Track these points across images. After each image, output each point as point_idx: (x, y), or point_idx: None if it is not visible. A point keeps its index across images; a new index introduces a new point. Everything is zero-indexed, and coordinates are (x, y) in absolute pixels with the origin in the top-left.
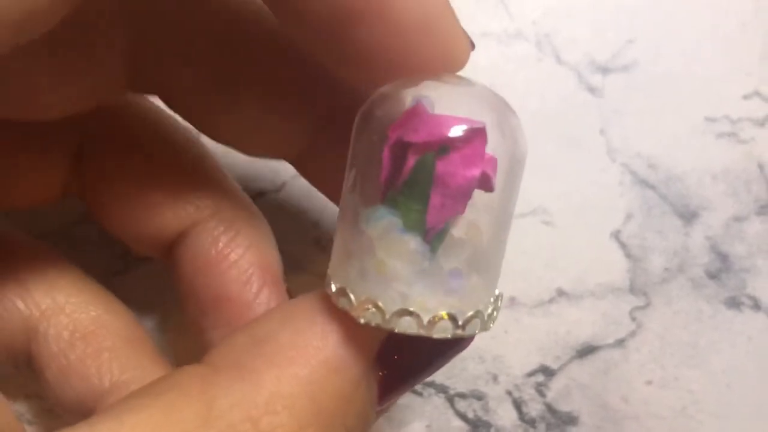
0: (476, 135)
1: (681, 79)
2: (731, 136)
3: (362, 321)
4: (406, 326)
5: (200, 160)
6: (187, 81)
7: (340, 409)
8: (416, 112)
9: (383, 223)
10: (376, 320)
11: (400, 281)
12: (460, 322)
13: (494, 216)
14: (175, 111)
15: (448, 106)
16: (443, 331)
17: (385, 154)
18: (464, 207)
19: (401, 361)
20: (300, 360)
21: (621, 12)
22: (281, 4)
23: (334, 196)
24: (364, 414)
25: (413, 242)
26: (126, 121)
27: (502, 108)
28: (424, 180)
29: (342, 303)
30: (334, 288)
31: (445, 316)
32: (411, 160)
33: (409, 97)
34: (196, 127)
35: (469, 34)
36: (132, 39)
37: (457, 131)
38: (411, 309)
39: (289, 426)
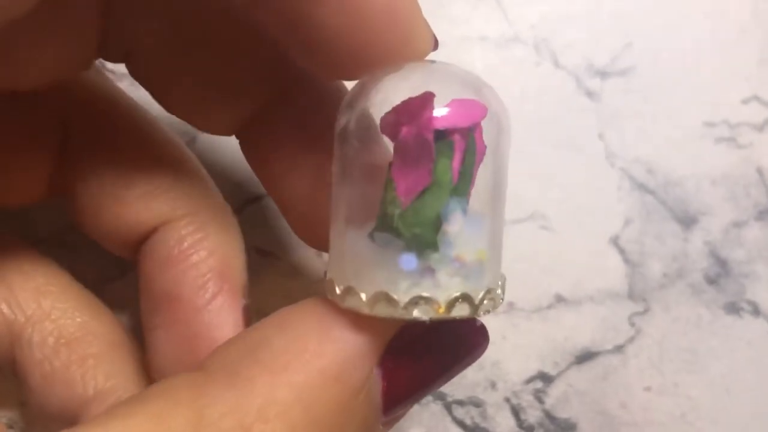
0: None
1: (679, 84)
2: (730, 141)
3: (377, 314)
4: (422, 312)
5: (181, 162)
6: (149, 45)
7: (338, 419)
8: (432, 102)
9: (459, 214)
10: (389, 312)
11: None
12: (476, 301)
13: (491, 195)
14: (137, 79)
15: (438, 88)
16: (461, 311)
17: (430, 145)
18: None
19: (405, 369)
20: (295, 366)
21: (619, 16)
22: None
23: (268, 179)
24: (366, 425)
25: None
26: (109, 120)
27: (478, 82)
28: (472, 159)
29: (349, 302)
30: (338, 290)
31: (461, 298)
32: (461, 145)
33: (397, 85)
34: (154, 96)
35: (467, 38)
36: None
37: (484, 110)
38: (424, 294)
39: None
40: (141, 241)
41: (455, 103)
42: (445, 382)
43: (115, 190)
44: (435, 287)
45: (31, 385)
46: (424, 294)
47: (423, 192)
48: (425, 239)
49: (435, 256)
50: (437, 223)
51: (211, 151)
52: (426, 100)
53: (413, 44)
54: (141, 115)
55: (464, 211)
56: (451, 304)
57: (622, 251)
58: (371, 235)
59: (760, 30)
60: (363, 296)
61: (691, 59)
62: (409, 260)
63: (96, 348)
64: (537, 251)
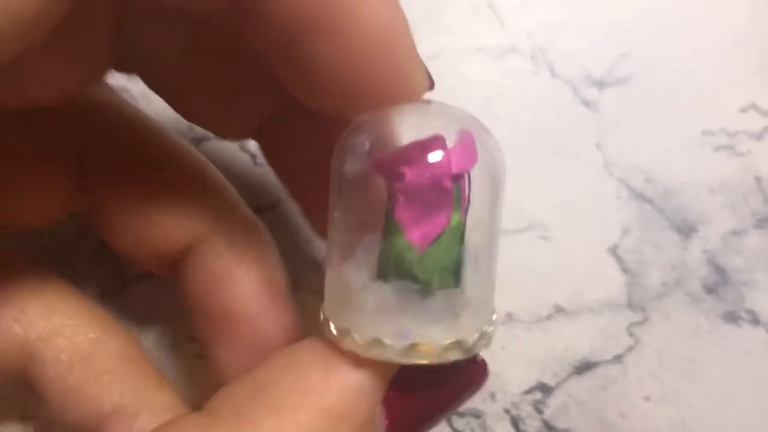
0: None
1: (677, 93)
2: (728, 149)
3: (373, 357)
4: (417, 358)
5: (203, 175)
6: (162, 53)
7: None
8: (444, 144)
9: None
10: (385, 357)
11: (405, 317)
12: (469, 344)
13: (485, 235)
14: (151, 87)
15: (435, 129)
16: (454, 356)
17: (449, 193)
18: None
19: (408, 405)
20: (301, 407)
21: (616, 26)
22: (238, 7)
23: (288, 180)
24: None
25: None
26: (125, 138)
27: (476, 125)
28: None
29: (347, 344)
30: (335, 331)
31: (452, 345)
32: (467, 188)
33: (396, 125)
34: (170, 103)
35: (464, 48)
36: (119, 11)
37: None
38: (417, 342)
39: None
40: (175, 258)
41: (460, 148)
42: (448, 415)
43: (143, 210)
44: (426, 334)
45: (49, 402)
46: (417, 341)
47: (438, 237)
48: (445, 283)
49: (458, 300)
50: (457, 267)
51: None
52: (437, 144)
53: (408, 84)
54: (158, 131)
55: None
56: (446, 350)
57: (620, 260)
58: (380, 279)
59: (757, 38)
60: (358, 339)
61: (689, 68)
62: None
63: (110, 363)
64: (536, 261)
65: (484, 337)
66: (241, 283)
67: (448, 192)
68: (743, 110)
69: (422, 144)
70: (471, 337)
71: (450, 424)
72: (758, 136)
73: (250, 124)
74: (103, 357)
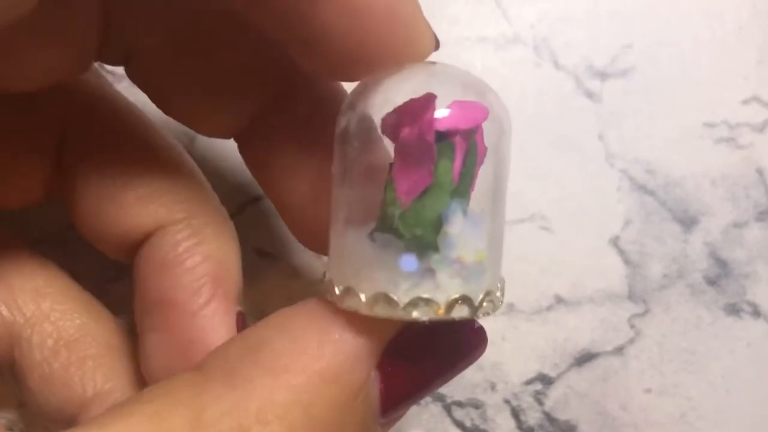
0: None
1: (679, 84)
2: (730, 142)
3: (376, 315)
4: (422, 313)
5: (178, 166)
6: (148, 48)
7: (336, 420)
8: (433, 104)
9: (459, 216)
10: (389, 313)
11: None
12: (475, 303)
13: (492, 197)
14: (136, 82)
15: (441, 90)
16: (460, 312)
17: (431, 147)
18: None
19: (404, 371)
20: (294, 368)
21: (619, 17)
22: None
23: (267, 182)
24: (364, 426)
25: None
26: (107, 122)
27: (482, 86)
28: (473, 160)
29: (348, 303)
30: (338, 290)
31: (460, 300)
32: (462, 146)
33: (399, 87)
34: (153, 100)
35: (467, 38)
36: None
37: (485, 113)
38: (424, 296)
39: None
40: (138, 244)
41: (456, 105)
42: (443, 383)
43: (112, 194)
44: (435, 288)
45: (30, 386)
46: (424, 295)
47: (424, 193)
48: (425, 240)
49: (435, 257)
50: (438, 225)
51: (210, 153)
52: (427, 101)
53: (414, 45)
54: (139, 119)
55: (465, 213)
56: (451, 305)
57: (621, 252)
58: (371, 236)
59: (759, 30)
60: (362, 297)
61: (691, 60)
62: (409, 261)
63: (95, 350)
64: (536, 252)
65: (492, 299)
66: (189, 274)
67: (430, 147)
68: (745, 102)
69: (414, 102)
70: (477, 296)
71: (450, 415)
72: (760, 129)
73: (232, 125)
74: (88, 343)
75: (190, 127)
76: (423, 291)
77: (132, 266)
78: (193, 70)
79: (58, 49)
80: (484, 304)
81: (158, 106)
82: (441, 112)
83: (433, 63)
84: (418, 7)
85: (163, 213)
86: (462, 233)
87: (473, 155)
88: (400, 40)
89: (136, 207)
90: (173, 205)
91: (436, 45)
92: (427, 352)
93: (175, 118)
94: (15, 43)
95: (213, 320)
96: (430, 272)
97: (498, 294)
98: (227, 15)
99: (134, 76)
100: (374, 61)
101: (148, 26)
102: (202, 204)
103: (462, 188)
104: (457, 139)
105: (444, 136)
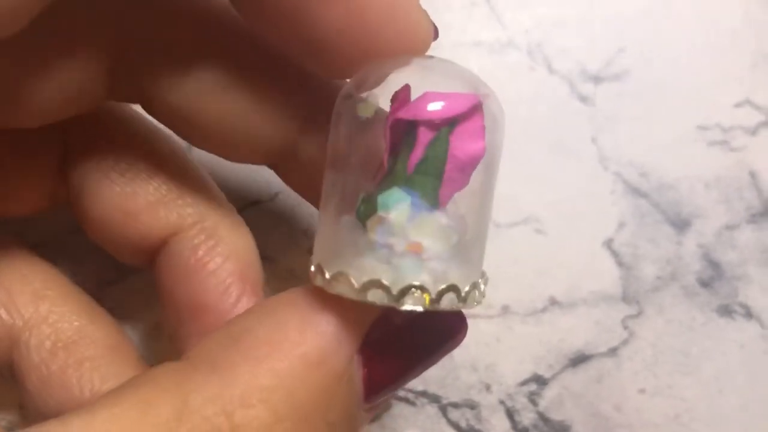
0: (478, 108)
1: (672, 88)
2: (723, 144)
3: (333, 291)
4: (377, 298)
5: (184, 169)
6: (169, 85)
7: (320, 404)
8: (410, 94)
9: (406, 204)
10: (345, 291)
11: (434, 261)
12: (433, 295)
13: (476, 193)
14: (156, 117)
15: (433, 84)
16: (413, 303)
17: (388, 135)
18: (469, 179)
19: (386, 356)
20: (277, 354)
21: (612, 21)
22: None
23: (317, 200)
24: (347, 410)
25: (443, 218)
26: (110, 129)
27: (478, 82)
28: (441, 156)
29: (338, 288)
30: (328, 275)
31: (417, 289)
32: (425, 137)
33: (395, 79)
34: (178, 134)
35: (462, 43)
36: (115, 40)
37: (464, 106)
38: (383, 282)
39: (264, 419)
40: (152, 250)
41: (425, 96)
42: (425, 369)
43: (121, 202)
44: (369, 272)
45: (29, 388)
46: (383, 281)
47: (381, 181)
48: (364, 222)
49: (363, 240)
50: (372, 210)
51: (208, 156)
52: (400, 92)
53: (415, 37)
54: (141, 124)
55: (414, 204)
56: (404, 293)
57: (615, 254)
58: (349, 221)
59: (752, 34)
60: (354, 282)
61: (684, 63)
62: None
63: (93, 351)
64: (531, 254)
65: (477, 289)
66: (214, 276)
67: (386, 135)
68: (738, 105)
69: (394, 94)
70: (463, 286)
71: (445, 415)
72: (753, 131)
73: (264, 154)
74: (86, 345)
75: (222, 157)
76: (409, 280)
77: (153, 273)
78: (218, 105)
79: (57, 89)
80: (444, 296)
81: (183, 138)
82: (407, 103)
83: (431, 57)
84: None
85: (175, 218)
86: (405, 222)
87: (440, 148)
88: (400, 33)
89: (146, 214)
90: (184, 209)
91: (436, 34)
92: (408, 337)
93: (204, 149)
94: (11, 81)
95: None
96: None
97: (468, 288)
98: (245, 43)
99: (155, 114)
100: (375, 56)
101: (164, 65)
102: (211, 204)
103: (418, 180)
104: (421, 129)
105: (413, 126)
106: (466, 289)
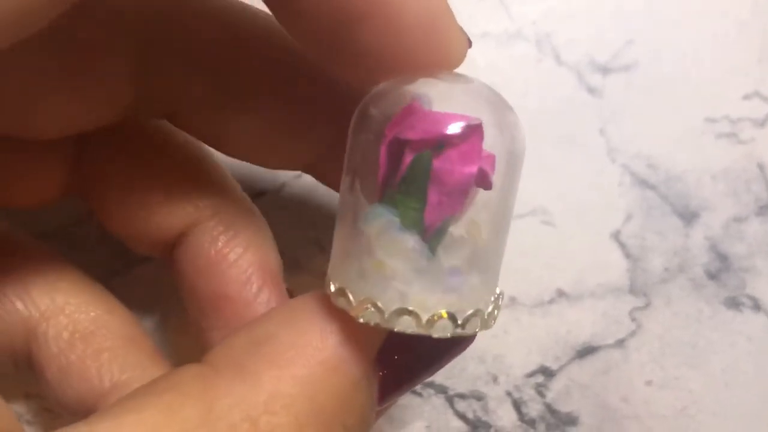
0: (473, 132)
1: (681, 80)
2: (731, 137)
3: (361, 320)
4: (406, 325)
5: (200, 160)
6: (197, 97)
7: (339, 409)
8: (412, 110)
9: (381, 221)
10: (375, 319)
11: (398, 280)
12: (459, 321)
13: (493, 214)
14: (184, 128)
15: (445, 103)
16: (443, 329)
17: (382, 152)
18: (462, 205)
19: (401, 361)
20: (299, 360)
21: (621, 13)
22: (283, 6)
23: None
24: (363, 414)
25: (411, 240)
26: (125, 121)
27: (500, 104)
28: (421, 177)
29: (341, 303)
30: (333, 288)
31: (445, 315)
32: (408, 158)
33: (405, 94)
34: (208, 144)
35: (469, 34)
36: (138, 54)
37: (453, 128)
38: (410, 308)
39: (288, 426)
40: (170, 242)
41: (415, 115)
42: (437, 371)
43: (138, 196)
44: (421, 301)
45: (48, 378)
46: (409, 307)
47: (380, 197)
48: None
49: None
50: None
51: (212, 149)
52: (403, 110)
53: (449, 53)
54: None
55: (387, 222)
56: (433, 321)
57: (623, 246)
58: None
59: (760, 26)
60: (352, 299)
61: (693, 55)
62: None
63: (110, 341)
64: (539, 246)
65: (478, 315)
66: (235, 267)
67: (381, 154)
68: (746, 98)
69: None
70: (463, 313)
71: (452, 407)
72: (761, 124)
73: (298, 161)
74: (103, 335)
75: (256, 164)
76: (409, 302)
77: (141, 258)
78: (247, 110)
79: (78, 100)
80: (470, 321)
81: (213, 148)
82: (404, 121)
83: (457, 75)
84: (451, 15)
85: (192, 210)
86: (373, 239)
87: (422, 168)
88: (436, 50)
89: (164, 208)
90: (201, 201)
91: (469, 44)
92: (421, 343)
93: (236, 158)
94: (31, 93)
95: (269, 306)
96: (420, 278)
97: (490, 309)
98: (272, 51)
99: (183, 127)
100: (410, 70)
101: (191, 79)
102: (228, 195)
103: (399, 198)
104: (406, 149)
105: (403, 144)
106: (467, 314)
